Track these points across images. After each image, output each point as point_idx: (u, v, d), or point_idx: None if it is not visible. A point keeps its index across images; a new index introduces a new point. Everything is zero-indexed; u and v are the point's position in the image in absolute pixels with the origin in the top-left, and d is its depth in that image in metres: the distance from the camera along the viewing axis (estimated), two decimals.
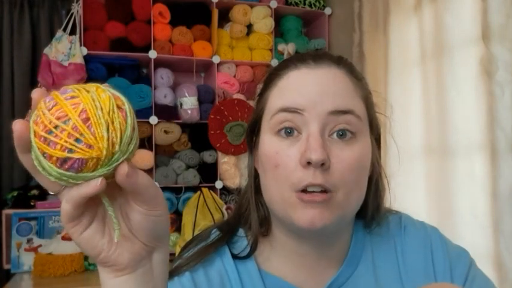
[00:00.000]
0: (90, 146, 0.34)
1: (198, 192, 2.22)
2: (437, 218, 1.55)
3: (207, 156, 2.31)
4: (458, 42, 1.51)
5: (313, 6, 2.50)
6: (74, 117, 0.34)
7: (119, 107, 0.36)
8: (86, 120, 0.34)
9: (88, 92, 0.36)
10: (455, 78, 1.51)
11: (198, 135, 2.30)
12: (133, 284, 0.44)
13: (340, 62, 0.62)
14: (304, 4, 2.49)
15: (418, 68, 1.72)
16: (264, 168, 0.61)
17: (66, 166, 0.35)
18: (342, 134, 0.57)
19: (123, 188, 0.40)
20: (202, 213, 2.13)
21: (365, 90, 0.63)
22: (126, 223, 0.44)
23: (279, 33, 2.55)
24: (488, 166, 1.35)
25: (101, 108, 0.35)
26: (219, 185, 2.31)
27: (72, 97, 0.35)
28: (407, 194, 1.67)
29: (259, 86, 0.67)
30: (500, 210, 1.30)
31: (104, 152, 0.35)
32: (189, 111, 2.25)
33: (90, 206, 0.41)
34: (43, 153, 0.35)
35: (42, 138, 0.35)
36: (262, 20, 2.38)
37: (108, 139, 0.35)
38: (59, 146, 0.34)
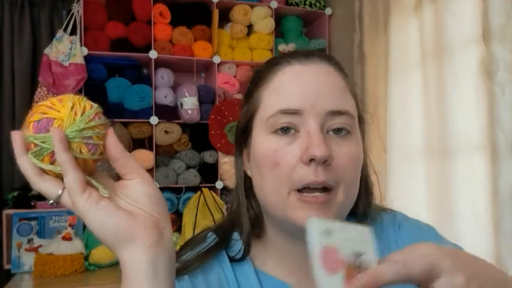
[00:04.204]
0: (58, 112, 0.46)
1: (199, 192, 2.22)
2: (438, 218, 1.55)
3: (208, 157, 2.31)
4: (459, 42, 1.51)
5: (313, 6, 2.50)
6: (51, 99, 0.48)
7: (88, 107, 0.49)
8: (60, 100, 0.48)
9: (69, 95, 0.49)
10: (455, 79, 1.51)
11: (198, 135, 2.30)
12: (161, 260, 0.46)
13: (330, 58, 0.64)
14: (305, 4, 2.49)
15: (419, 68, 1.72)
16: (260, 168, 0.60)
17: (39, 126, 0.46)
18: (337, 130, 0.58)
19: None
20: (203, 214, 2.14)
21: (353, 86, 0.64)
22: (128, 201, 0.48)
23: (280, 33, 2.55)
24: (489, 166, 1.35)
25: (72, 98, 0.48)
26: (219, 185, 2.31)
27: (60, 100, 0.49)
28: (408, 194, 1.67)
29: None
30: (500, 210, 1.30)
31: (66, 115, 0.46)
32: (190, 112, 2.25)
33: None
34: (27, 126, 0.47)
35: (30, 114, 0.48)
36: (263, 20, 2.38)
37: (71, 108, 0.46)
38: (36, 114, 0.47)
